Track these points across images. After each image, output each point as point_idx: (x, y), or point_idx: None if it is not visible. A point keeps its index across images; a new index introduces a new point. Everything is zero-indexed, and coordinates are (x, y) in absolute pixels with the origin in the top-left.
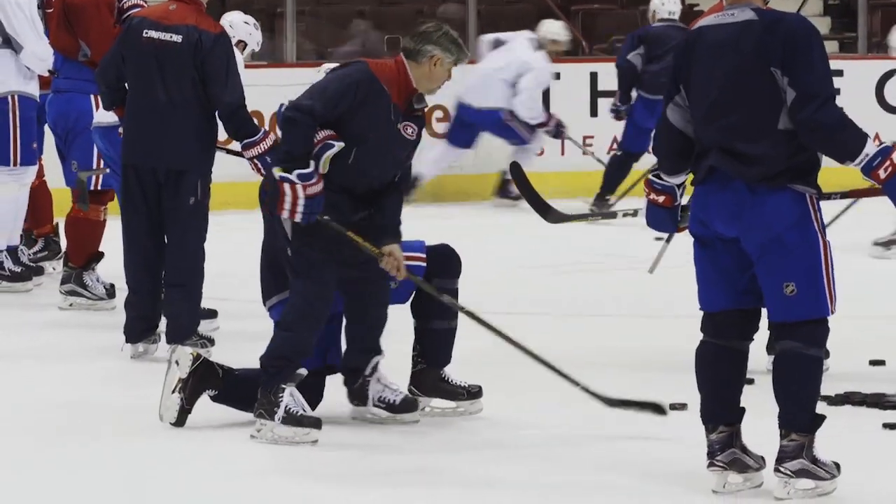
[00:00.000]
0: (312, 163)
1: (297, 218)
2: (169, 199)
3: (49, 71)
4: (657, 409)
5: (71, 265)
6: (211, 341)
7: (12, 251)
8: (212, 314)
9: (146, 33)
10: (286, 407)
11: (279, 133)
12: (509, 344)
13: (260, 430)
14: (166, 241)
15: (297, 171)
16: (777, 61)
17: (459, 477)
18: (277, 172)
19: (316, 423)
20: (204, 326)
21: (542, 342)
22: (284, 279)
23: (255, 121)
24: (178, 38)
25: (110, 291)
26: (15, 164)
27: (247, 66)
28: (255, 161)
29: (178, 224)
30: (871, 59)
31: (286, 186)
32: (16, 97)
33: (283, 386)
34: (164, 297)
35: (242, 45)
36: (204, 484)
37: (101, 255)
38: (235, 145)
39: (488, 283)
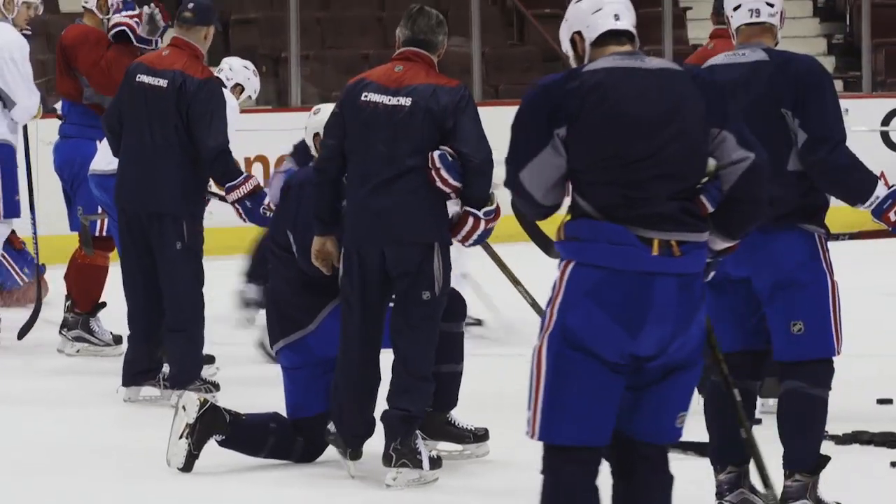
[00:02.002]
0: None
1: (468, 244)
2: (156, 243)
3: (57, 116)
4: (700, 448)
5: (77, 311)
6: (216, 386)
7: None
8: (209, 360)
9: (138, 78)
10: (427, 455)
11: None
12: None
13: (396, 479)
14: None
15: (483, 210)
16: (788, 103)
17: None
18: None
19: (440, 463)
20: (203, 372)
21: None
22: (290, 323)
23: (243, 165)
24: (164, 83)
25: (117, 338)
26: None
27: (251, 111)
28: (237, 205)
29: (168, 269)
30: (876, 98)
31: (470, 219)
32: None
33: (416, 434)
34: (165, 343)
35: (240, 88)
36: None
37: (104, 304)
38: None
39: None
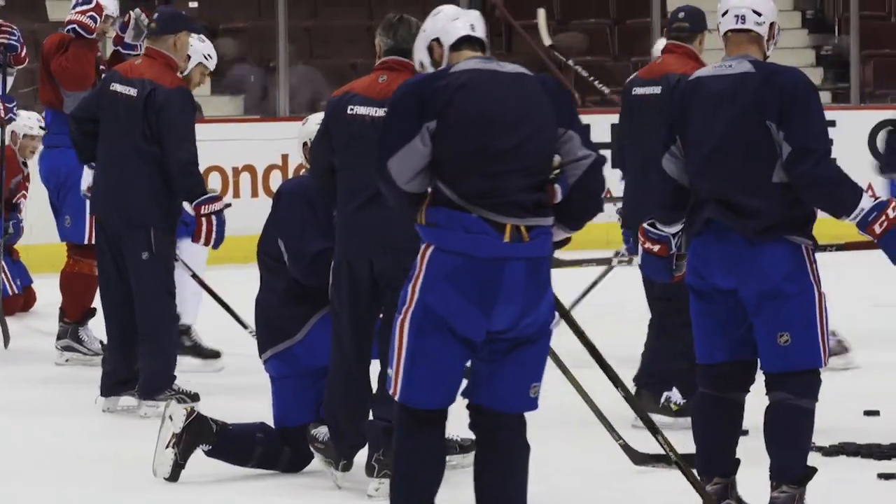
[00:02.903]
0: None
1: None
2: (126, 252)
3: (40, 127)
4: (688, 460)
5: (66, 320)
6: (192, 396)
7: None
8: (215, 355)
9: (112, 86)
10: None
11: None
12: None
13: (378, 489)
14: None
15: None
16: (773, 115)
17: None
18: None
19: None
20: (208, 366)
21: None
22: (279, 332)
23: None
24: (133, 92)
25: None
26: None
27: (240, 119)
28: (203, 219)
29: (136, 278)
30: (864, 110)
31: None
32: None
33: None
34: (138, 353)
35: (201, 68)
36: None
37: (94, 310)
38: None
39: None
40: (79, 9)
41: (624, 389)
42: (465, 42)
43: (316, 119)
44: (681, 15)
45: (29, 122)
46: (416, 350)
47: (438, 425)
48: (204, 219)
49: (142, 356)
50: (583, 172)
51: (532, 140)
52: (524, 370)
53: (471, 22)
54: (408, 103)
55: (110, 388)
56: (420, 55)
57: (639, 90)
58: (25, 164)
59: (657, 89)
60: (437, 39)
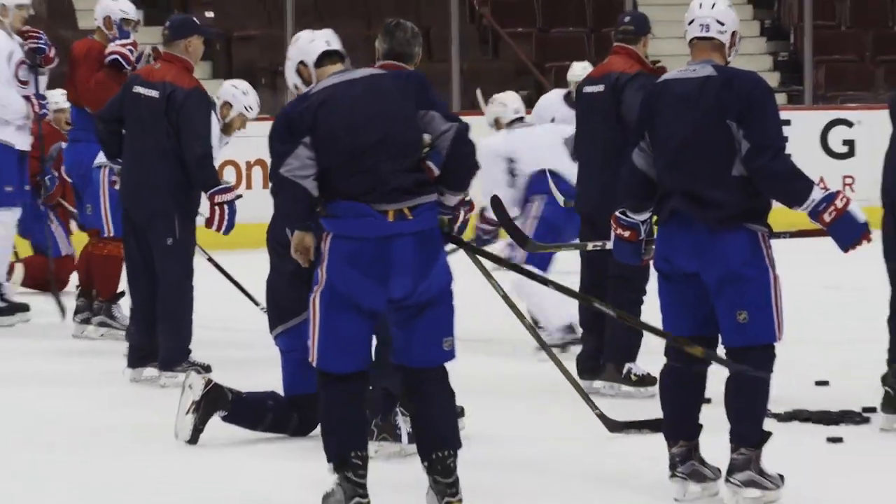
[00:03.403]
0: None
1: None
2: (152, 240)
3: (66, 122)
4: (657, 424)
5: (100, 299)
6: (206, 368)
7: None
8: (206, 369)
9: (135, 89)
10: (406, 430)
11: None
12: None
13: (377, 451)
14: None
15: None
16: (733, 115)
17: None
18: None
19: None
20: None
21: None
22: (287, 311)
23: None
24: (155, 94)
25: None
26: None
27: (253, 120)
28: (217, 208)
29: (160, 263)
30: (817, 110)
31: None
32: None
33: (397, 411)
34: (158, 329)
35: (228, 106)
36: (215, 493)
37: (123, 292)
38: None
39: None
40: (119, 42)
41: (558, 362)
42: (326, 57)
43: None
44: (626, 19)
45: (54, 97)
46: (327, 323)
47: (355, 385)
48: (217, 207)
49: (162, 332)
50: (450, 143)
51: (396, 130)
52: (434, 328)
53: (326, 39)
54: (281, 133)
55: (136, 360)
56: (292, 80)
57: (588, 89)
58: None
59: (601, 87)
60: (302, 62)
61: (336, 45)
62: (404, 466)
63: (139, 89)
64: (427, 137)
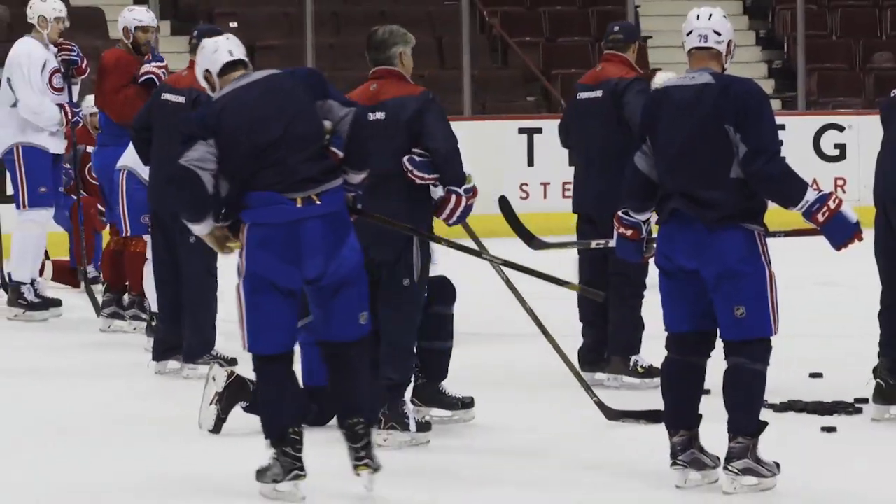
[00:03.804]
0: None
1: (452, 220)
2: (176, 237)
3: (94, 127)
4: (654, 416)
5: (133, 294)
6: (230, 361)
7: (33, 284)
8: (231, 362)
9: (163, 96)
10: (414, 418)
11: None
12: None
13: (387, 440)
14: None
15: (464, 186)
16: (730, 120)
17: (454, 473)
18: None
19: (430, 427)
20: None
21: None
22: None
23: None
24: (181, 99)
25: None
26: (25, 207)
27: None
28: None
29: (185, 259)
30: (810, 115)
31: (453, 197)
32: (20, 148)
33: (404, 401)
34: (182, 323)
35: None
36: (237, 481)
37: None
38: None
39: (487, 305)
40: (155, 63)
41: (560, 352)
42: (229, 66)
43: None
44: (616, 28)
45: (88, 102)
46: (251, 308)
47: (286, 364)
48: None
49: (187, 326)
50: (349, 126)
51: (295, 124)
52: (350, 306)
53: (229, 49)
54: (190, 136)
55: (161, 353)
56: (203, 84)
57: (584, 94)
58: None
59: (598, 93)
60: (207, 70)
61: (238, 54)
62: (413, 455)
63: (167, 96)
64: (328, 124)
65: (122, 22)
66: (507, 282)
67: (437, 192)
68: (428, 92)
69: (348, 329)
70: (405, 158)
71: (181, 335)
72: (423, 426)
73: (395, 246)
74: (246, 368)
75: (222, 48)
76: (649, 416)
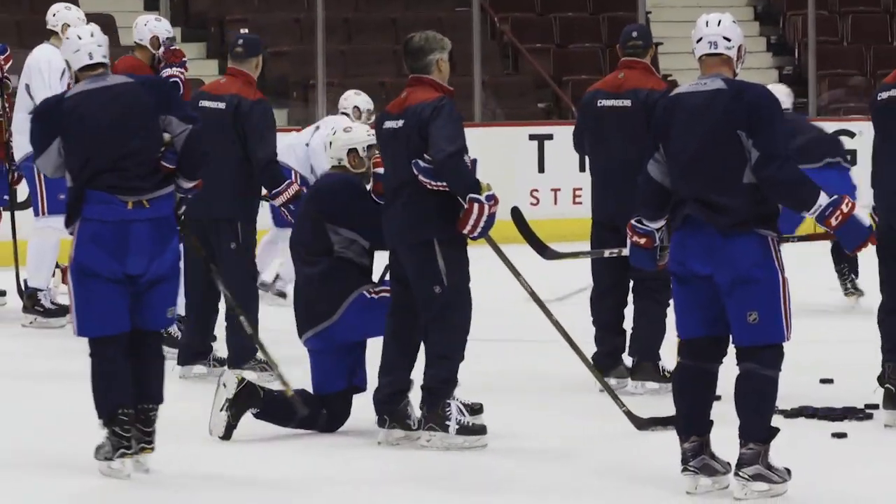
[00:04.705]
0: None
1: (476, 233)
2: (215, 244)
3: None
4: (667, 422)
5: None
6: (271, 365)
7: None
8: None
9: (201, 103)
10: (457, 420)
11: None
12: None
13: (430, 441)
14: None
15: (485, 194)
16: (743, 126)
17: (464, 478)
18: (470, 195)
19: (483, 430)
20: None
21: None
22: (316, 315)
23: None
24: (222, 105)
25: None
26: (44, 214)
27: (285, 130)
28: (283, 208)
29: (225, 266)
30: (820, 121)
31: (475, 206)
32: None
33: (449, 402)
34: (225, 330)
35: (356, 111)
36: (247, 486)
37: None
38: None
39: (501, 313)
40: (178, 68)
41: (587, 362)
42: (87, 68)
43: (359, 127)
44: (634, 34)
45: None
46: (80, 295)
47: (115, 347)
48: (283, 208)
49: (230, 333)
50: (184, 142)
51: (137, 134)
52: (162, 300)
53: (89, 51)
54: (41, 123)
55: (186, 358)
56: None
57: (608, 102)
58: None
59: (626, 102)
60: (67, 62)
61: (98, 57)
62: (420, 460)
63: (205, 103)
64: (167, 136)
65: (150, 31)
66: (532, 293)
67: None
68: (443, 97)
69: (157, 320)
70: (412, 163)
71: (208, 341)
72: (466, 429)
73: (419, 255)
74: (286, 370)
75: (84, 50)
76: (664, 422)
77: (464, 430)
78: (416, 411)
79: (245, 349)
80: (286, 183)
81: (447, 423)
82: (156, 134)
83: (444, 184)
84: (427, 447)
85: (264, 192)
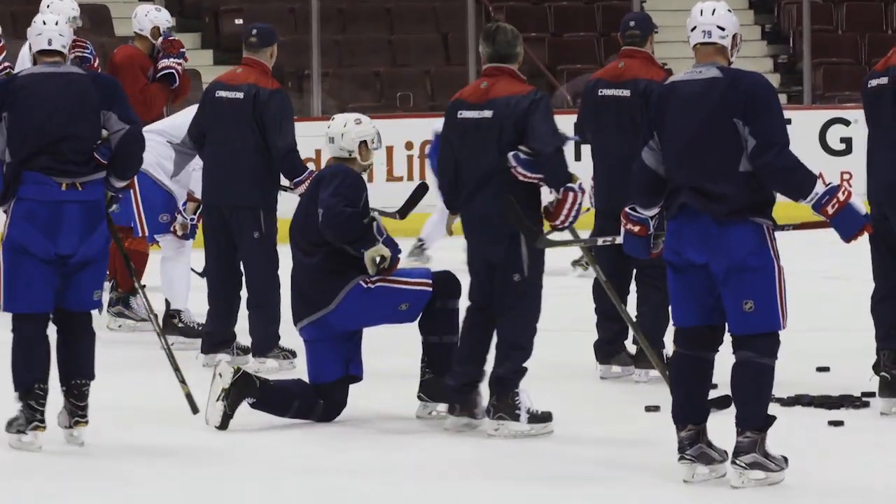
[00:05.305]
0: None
1: (568, 223)
2: (236, 233)
3: None
4: (724, 402)
5: (120, 291)
6: (293, 353)
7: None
8: (293, 355)
9: (217, 94)
10: (527, 408)
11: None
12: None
13: (497, 430)
14: (243, 271)
15: (577, 183)
16: (739, 113)
17: (460, 467)
18: (567, 185)
19: (550, 417)
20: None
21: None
22: (312, 304)
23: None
24: (240, 95)
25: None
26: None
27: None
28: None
29: (247, 255)
30: (815, 110)
31: (570, 195)
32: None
33: (517, 391)
34: (248, 319)
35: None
36: (244, 475)
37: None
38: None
39: None
40: (174, 60)
41: (651, 354)
42: (45, 53)
43: (367, 120)
44: (632, 23)
45: None
46: (9, 271)
47: (37, 325)
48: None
49: (253, 322)
50: (118, 141)
51: (79, 123)
52: (91, 282)
53: (49, 37)
54: None
55: (210, 346)
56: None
57: (608, 91)
58: None
59: (626, 92)
60: (29, 45)
61: (57, 45)
62: (417, 450)
63: (221, 93)
64: (104, 132)
65: (151, 21)
66: (606, 282)
67: (545, 192)
68: (537, 91)
69: (85, 301)
70: (510, 154)
71: (232, 329)
72: (535, 417)
73: (504, 244)
74: (301, 363)
75: (45, 35)
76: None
77: (533, 418)
78: (485, 401)
79: (268, 337)
80: (307, 172)
81: (517, 412)
82: (96, 126)
83: (539, 176)
84: (494, 436)
85: (285, 182)
